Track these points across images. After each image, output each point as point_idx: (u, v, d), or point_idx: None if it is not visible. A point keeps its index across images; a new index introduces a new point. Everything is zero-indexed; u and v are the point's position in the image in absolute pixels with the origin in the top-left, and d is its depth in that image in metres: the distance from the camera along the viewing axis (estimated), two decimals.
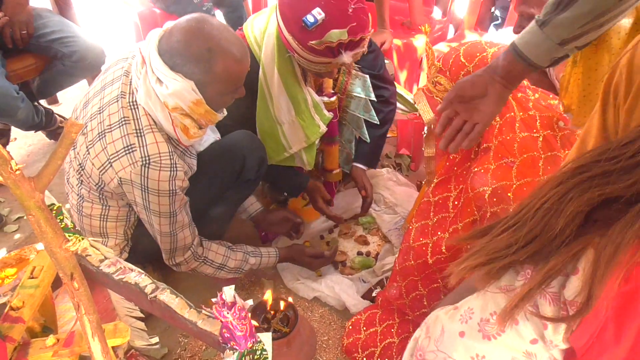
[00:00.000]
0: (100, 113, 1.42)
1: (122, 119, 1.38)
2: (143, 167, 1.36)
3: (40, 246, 1.33)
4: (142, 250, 1.65)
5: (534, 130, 1.34)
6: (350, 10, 1.51)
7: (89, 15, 3.65)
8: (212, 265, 1.66)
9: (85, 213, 1.54)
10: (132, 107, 1.39)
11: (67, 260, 0.65)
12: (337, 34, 1.49)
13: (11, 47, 2.21)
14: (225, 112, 1.51)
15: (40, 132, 2.65)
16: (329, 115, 1.84)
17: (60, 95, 3.00)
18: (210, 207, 1.71)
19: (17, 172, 0.56)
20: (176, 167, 1.40)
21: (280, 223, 1.98)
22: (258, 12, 1.78)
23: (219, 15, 3.13)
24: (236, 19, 3.19)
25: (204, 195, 1.64)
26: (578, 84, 1.14)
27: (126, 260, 1.65)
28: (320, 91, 1.88)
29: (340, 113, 2.00)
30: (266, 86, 1.72)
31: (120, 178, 1.39)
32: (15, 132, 2.63)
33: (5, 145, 2.56)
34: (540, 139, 1.32)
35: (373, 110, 2.01)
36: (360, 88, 1.94)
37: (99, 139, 1.40)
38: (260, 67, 1.70)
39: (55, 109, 2.76)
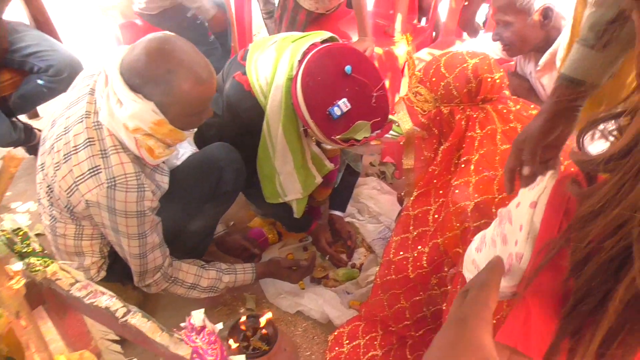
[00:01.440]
0: (65, 133, 1.39)
1: (87, 140, 1.35)
2: (109, 189, 1.34)
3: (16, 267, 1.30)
4: (121, 267, 1.61)
5: None
6: (374, 100, 1.51)
7: (68, 28, 3.60)
8: (183, 286, 1.63)
9: (59, 233, 1.52)
10: (97, 127, 1.36)
11: (11, 298, 0.62)
12: (362, 132, 1.49)
13: None
14: (195, 130, 1.48)
15: (20, 148, 2.61)
16: (329, 166, 1.83)
17: (41, 109, 2.96)
18: (190, 222, 1.69)
19: None
20: (144, 187, 1.38)
21: (237, 250, 1.98)
22: (258, 47, 1.70)
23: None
24: (222, 29, 3.16)
25: (182, 209, 1.62)
26: None
27: (105, 278, 1.65)
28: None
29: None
30: (269, 137, 1.69)
31: (87, 200, 1.36)
32: None
33: None
34: None
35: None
36: None
37: (65, 161, 1.37)
38: (265, 118, 1.66)
39: (35, 123, 2.72)
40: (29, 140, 2.50)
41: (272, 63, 1.62)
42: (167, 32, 1.34)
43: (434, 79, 1.40)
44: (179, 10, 2.72)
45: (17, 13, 2.58)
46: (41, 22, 2.56)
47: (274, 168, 1.75)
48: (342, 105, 1.46)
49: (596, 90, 0.96)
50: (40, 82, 2.30)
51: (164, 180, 1.52)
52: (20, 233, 1.06)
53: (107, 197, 1.34)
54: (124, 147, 1.37)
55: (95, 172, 1.34)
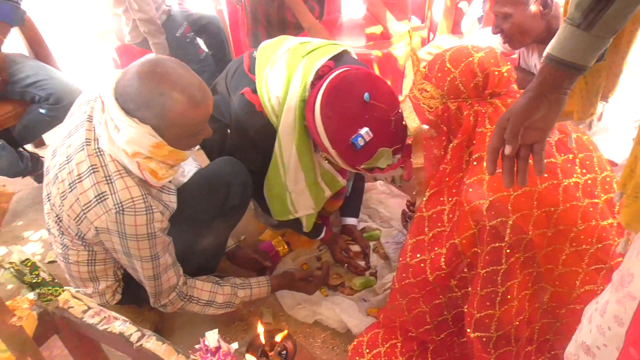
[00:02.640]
0: (68, 163, 1.38)
1: (90, 168, 1.35)
2: (117, 214, 1.33)
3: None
4: (135, 289, 1.60)
5: None
6: (392, 124, 1.51)
7: (66, 55, 3.62)
8: (198, 303, 1.62)
9: (72, 260, 1.51)
10: (98, 154, 1.36)
11: (14, 335, 0.59)
12: (384, 159, 1.49)
13: None
14: (197, 148, 1.46)
15: (28, 177, 2.61)
16: (342, 182, 1.81)
17: (46, 136, 2.96)
18: (200, 239, 1.67)
19: None
20: (152, 209, 1.36)
21: (249, 263, 1.98)
22: (266, 59, 1.66)
23: (202, 44, 3.09)
24: (219, 44, 3.16)
25: (191, 227, 1.60)
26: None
27: (120, 301, 1.63)
28: None
29: None
30: (280, 157, 1.67)
31: (96, 227, 1.35)
32: (2, 178, 2.59)
33: None
34: None
35: None
36: None
37: (70, 190, 1.36)
38: (277, 138, 1.64)
39: (42, 151, 2.72)
40: (36, 169, 2.50)
41: (284, 82, 1.59)
42: (160, 56, 1.34)
43: (439, 75, 1.36)
44: (165, 32, 2.73)
45: (15, 45, 2.60)
46: (39, 51, 2.58)
47: (285, 187, 1.73)
48: (365, 134, 1.46)
49: (582, 73, 0.94)
50: (42, 111, 2.31)
51: (172, 200, 1.50)
52: (29, 264, 1.05)
53: (116, 222, 1.34)
54: (127, 171, 1.36)
55: (102, 199, 1.33)
